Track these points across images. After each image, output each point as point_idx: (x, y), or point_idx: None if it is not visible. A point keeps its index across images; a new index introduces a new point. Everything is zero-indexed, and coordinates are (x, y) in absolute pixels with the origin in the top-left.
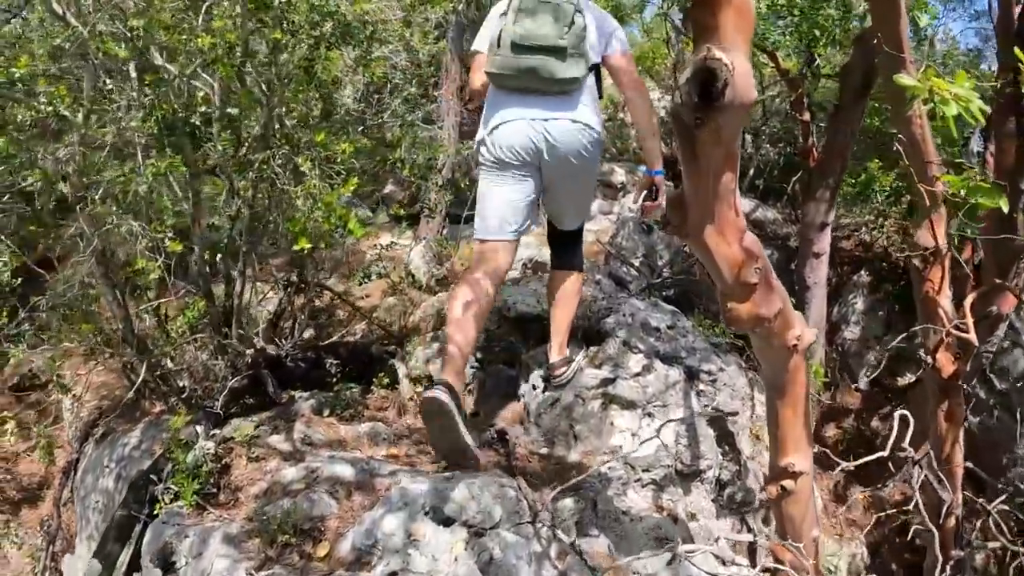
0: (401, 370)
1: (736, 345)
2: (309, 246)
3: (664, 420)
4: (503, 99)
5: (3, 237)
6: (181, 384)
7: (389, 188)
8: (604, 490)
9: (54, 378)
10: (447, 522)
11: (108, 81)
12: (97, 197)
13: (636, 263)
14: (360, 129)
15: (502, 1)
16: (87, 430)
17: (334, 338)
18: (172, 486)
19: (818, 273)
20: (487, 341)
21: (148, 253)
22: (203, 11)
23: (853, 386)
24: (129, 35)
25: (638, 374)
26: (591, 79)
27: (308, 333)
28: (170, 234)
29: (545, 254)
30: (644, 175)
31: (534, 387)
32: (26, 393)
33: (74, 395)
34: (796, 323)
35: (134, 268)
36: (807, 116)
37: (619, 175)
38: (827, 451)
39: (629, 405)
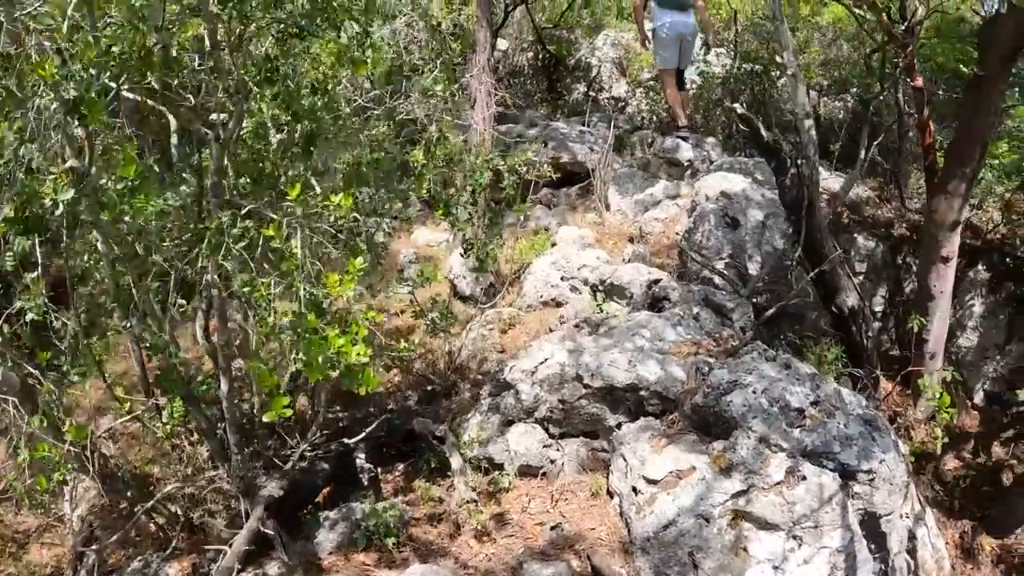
0: (455, 461)
1: (891, 417)
2: (288, 413)
3: (816, 546)
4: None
5: None
6: (174, 510)
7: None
8: None
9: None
10: None
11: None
12: None
13: (721, 265)
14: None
15: None
16: (79, 553)
17: (363, 424)
18: None
19: (945, 281)
20: (562, 411)
21: None
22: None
23: (970, 403)
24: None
25: (780, 482)
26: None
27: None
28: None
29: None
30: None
31: (635, 491)
32: None
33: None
34: None
35: None
36: (920, 82)
37: (685, 151)
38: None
39: (769, 527)
